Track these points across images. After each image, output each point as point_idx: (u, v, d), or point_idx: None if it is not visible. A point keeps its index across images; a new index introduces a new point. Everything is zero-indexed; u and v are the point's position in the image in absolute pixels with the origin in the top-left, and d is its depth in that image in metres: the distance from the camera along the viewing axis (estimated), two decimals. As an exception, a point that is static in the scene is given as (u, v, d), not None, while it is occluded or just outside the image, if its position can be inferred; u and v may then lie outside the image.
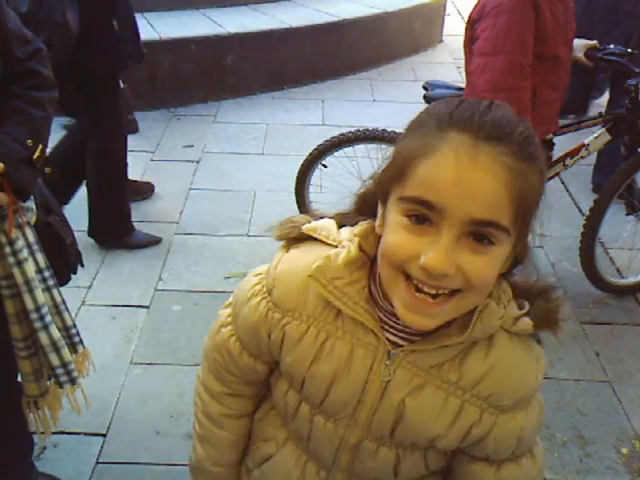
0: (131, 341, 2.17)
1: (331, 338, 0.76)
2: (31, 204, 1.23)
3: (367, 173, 0.77)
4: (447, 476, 0.89)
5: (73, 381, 1.34)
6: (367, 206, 0.77)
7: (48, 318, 1.25)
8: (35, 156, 1.17)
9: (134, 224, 2.78)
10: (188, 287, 2.45)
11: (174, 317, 2.29)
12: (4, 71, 1.15)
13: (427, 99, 2.37)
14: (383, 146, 2.50)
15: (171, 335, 2.21)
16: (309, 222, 0.80)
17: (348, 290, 0.73)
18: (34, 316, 1.22)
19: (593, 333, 2.30)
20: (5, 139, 1.13)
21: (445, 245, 0.61)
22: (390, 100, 4.11)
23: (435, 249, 0.61)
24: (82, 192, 3.06)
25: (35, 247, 1.22)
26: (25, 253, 1.19)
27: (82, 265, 1.46)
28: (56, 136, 2.41)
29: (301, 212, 2.66)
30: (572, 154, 2.31)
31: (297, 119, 3.79)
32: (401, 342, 0.74)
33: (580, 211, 3.01)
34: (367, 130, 2.46)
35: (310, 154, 2.57)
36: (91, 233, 2.61)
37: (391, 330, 0.74)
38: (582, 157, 2.35)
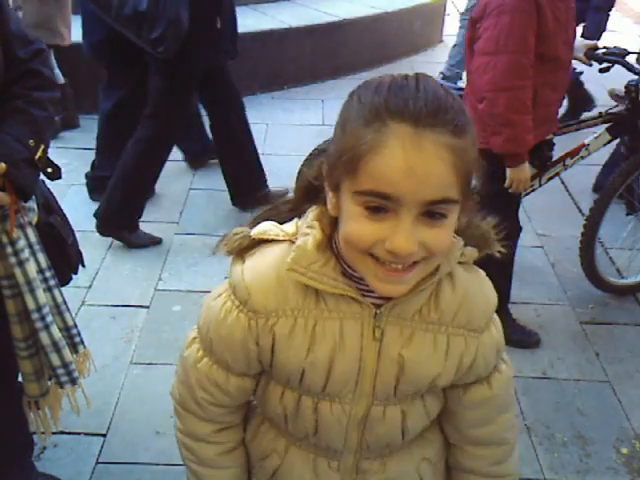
0: (131, 341, 2.17)
1: (320, 322, 0.79)
2: (32, 204, 1.23)
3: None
4: (447, 422, 0.94)
5: (74, 381, 1.34)
6: (310, 195, 0.81)
7: (49, 318, 1.25)
8: (37, 156, 1.17)
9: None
10: (188, 287, 2.45)
11: (174, 317, 2.29)
12: (6, 71, 1.16)
13: None
14: None
15: (171, 335, 2.21)
16: (249, 229, 0.83)
17: (325, 270, 0.77)
18: (35, 316, 1.22)
19: (593, 333, 2.31)
20: (7, 139, 1.13)
21: (406, 228, 0.66)
22: (390, 100, 4.12)
23: (398, 233, 0.66)
24: (77, 191, 3.06)
25: (36, 247, 1.22)
26: (26, 253, 1.19)
27: (83, 265, 1.46)
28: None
29: None
30: (572, 154, 2.32)
31: (297, 119, 3.79)
32: (381, 302, 0.79)
33: (580, 211, 3.01)
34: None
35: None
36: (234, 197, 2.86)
37: (369, 295, 0.78)
38: (582, 157, 2.35)
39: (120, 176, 2.58)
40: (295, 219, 0.82)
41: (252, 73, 4.06)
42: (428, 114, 0.64)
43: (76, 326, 1.36)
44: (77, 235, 1.44)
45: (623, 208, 2.47)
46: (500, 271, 1.93)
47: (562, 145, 2.30)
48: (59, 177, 1.25)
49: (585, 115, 2.89)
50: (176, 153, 3.46)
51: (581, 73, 3.60)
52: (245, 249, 0.82)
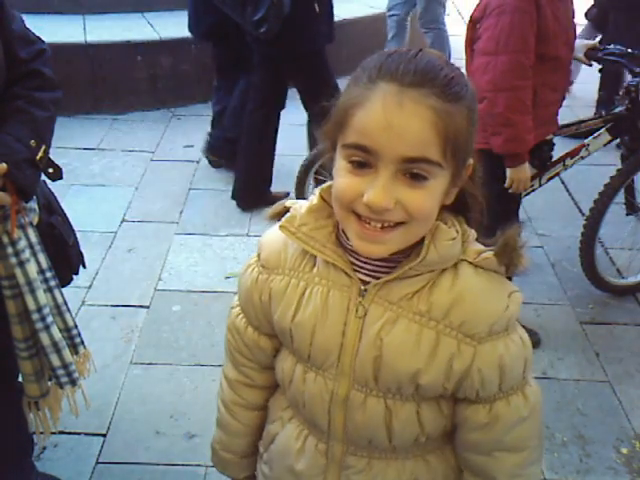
0: (131, 341, 2.17)
1: (310, 286, 0.82)
2: (33, 205, 1.22)
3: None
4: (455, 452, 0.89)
5: (74, 382, 1.33)
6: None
7: (49, 319, 1.24)
8: (38, 157, 1.17)
9: (134, 224, 2.79)
10: (188, 287, 2.45)
11: (174, 317, 2.29)
12: (7, 72, 1.15)
13: None
14: None
15: (171, 335, 2.21)
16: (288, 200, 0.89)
17: (315, 234, 0.80)
18: (35, 317, 1.22)
19: (593, 333, 2.31)
20: (8, 139, 1.13)
21: (382, 183, 0.68)
22: (390, 100, 4.12)
23: (374, 187, 0.68)
24: (77, 191, 3.07)
25: (37, 248, 1.22)
26: (27, 254, 1.19)
27: (84, 266, 1.46)
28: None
29: None
30: (572, 154, 2.32)
31: (297, 119, 3.79)
32: (369, 280, 0.80)
33: (580, 211, 3.01)
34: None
35: (309, 155, 2.57)
36: None
37: (362, 271, 0.80)
38: (582, 157, 2.35)
39: (245, 159, 2.83)
40: None
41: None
42: (415, 75, 0.67)
43: (76, 327, 1.36)
44: (77, 235, 1.44)
45: (623, 208, 2.47)
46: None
47: (562, 145, 2.30)
48: (60, 177, 1.25)
49: (585, 115, 2.89)
50: (176, 152, 3.47)
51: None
52: (279, 215, 0.87)
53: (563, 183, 3.21)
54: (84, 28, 3.89)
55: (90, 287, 2.41)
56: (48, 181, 1.29)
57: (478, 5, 1.90)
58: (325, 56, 2.80)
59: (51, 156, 1.23)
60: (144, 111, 3.87)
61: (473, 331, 0.77)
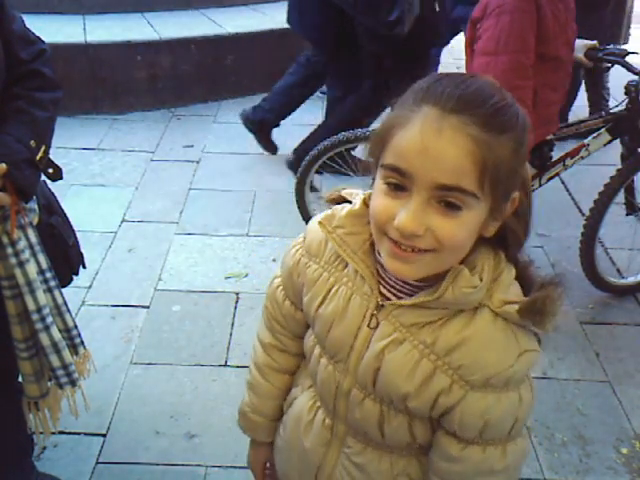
0: (131, 341, 2.17)
1: (337, 284, 0.85)
2: (33, 205, 1.22)
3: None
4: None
5: (73, 382, 1.33)
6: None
7: (49, 319, 1.24)
8: (38, 157, 1.16)
9: (133, 224, 2.78)
10: (188, 287, 2.45)
11: (174, 317, 2.29)
12: (7, 72, 1.15)
13: None
14: None
15: (171, 335, 2.21)
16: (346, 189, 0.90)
17: (348, 239, 0.82)
18: (35, 317, 1.22)
19: (593, 333, 2.31)
20: (8, 140, 1.13)
21: (414, 207, 0.68)
22: (390, 100, 4.12)
23: (405, 211, 0.68)
24: (77, 191, 3.07)
25: (37, 248, 1.22)
26: (27, 254, 1.19)
27: (84, 266, 1.46)
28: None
29: (301, 213, 2.66)
30: (572, 154, 2.32)
31: (297, 119, 3.79)
32: (392, 298, 0.81)
33: (580, 211, 3.00)
34: (367, 131, 2.46)
35: (308, 156, 2.57)
36: None
37: (386, 285, 0.81)
38: (582, 157, 2.35)
39: (326, 129, 2.89)
40: None
41: (252, 73, 4.06)
42: (459, 101, 0.66)
43: (76, 327, 1.35)
44: (77, 235, 1.44)
45: (623, 208, 2.47)
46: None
47: (562, 145, 2.30)
48: (60, 178, 1.24)
49: (585, 115, 2.90)
50: (176, 152, 3.47)
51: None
52: (333, 202, 0.90)
53: (563, 183, 3.21)
54: (84, 28, 3.89)
55: (90, 287, 2.41)
56: (48, 181, 1.29)
57: (478, 5, 1.90)
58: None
59: (51, 156, 1.23)
60: (144, 111, 3.87)
61: (469, 377, 0.77)
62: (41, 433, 1.41)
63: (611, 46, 2.22)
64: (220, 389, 2.00)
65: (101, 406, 1.88)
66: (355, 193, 0.87)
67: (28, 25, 1.23)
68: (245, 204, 3.00)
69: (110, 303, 2.34)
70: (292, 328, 1.00)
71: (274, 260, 2.60)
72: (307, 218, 2.66)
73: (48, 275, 1.25)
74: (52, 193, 1.37)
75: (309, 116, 3.85)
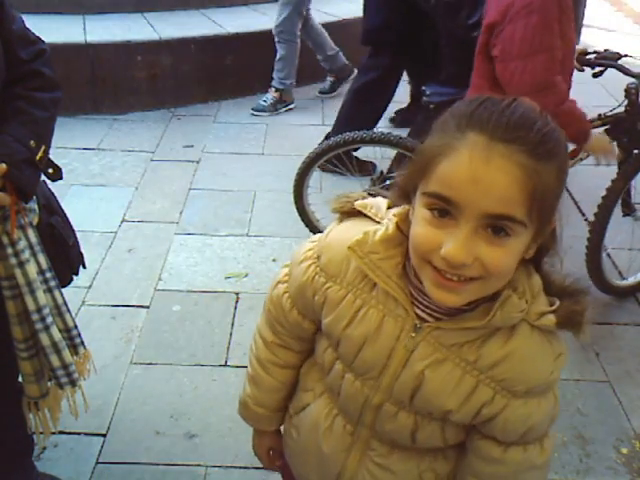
0: (131, 341, 2.17)
1: (365, 306, 0.83)
2: (33, 205, 1.22)
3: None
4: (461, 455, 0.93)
5: (73, 382, 1.33)
6: (406, 195, 0.82)
7: (49, 319, 1.24)
8: (38, 157, 1.16)
9: (133, 224, 2.78)
10: (188, 287, 2.45)
11: (174, 317, 2.29)
12: (7, 72, 1.15)
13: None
14: (379, 148, 2.49)
15: (171, 335, 2.21)
16: (363, 199, 0.88)
17: (382, 264, 0.79)
18: (35, 317, 1.22)
19: (593, 333, 2.30)
20: (8, 140, 1.13)
21: (463, 237, 0.66)
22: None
23: (454, 241, 0.67)
24: (77, 191, 3.07)
25: (37, 248, 1.22)
26: (27, 254, 1.19)
27: (84, 266, 1.46)
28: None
29: (300, 214, 2.65)
30: (572, 155, 2.31)
31: (297, 119, 3.79)
32: (428, 318, 0.80)
33: (580, 211, 3.00)
34: (364, 133, 2.45)
35: (307, 157, 2.57)
36: None
37: (420, 306, 0.80)
38: (581, 159, 2.35)
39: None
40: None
41: (252, 73, 4.06)
42: (507, 129, 0.65)
43: (76, 327, 1.35)
44: (77, 235, 1.44)
45: (620, 209, 2.47)
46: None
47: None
48: (60, 178, 1.24)
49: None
50: (176, 152, 3.46)
51: None
52: (347, 213, 0.87)
53: (563, 183, 3.21)
54: (84, 28, 3.89)
55: (90, 287, 2.41)
56: (48, 181, 1.29)
57: (494, 10, 1.88)
58: None
59: (51, 156, 1.23)
60: (144, 111, 3.87)
61: (513, 388, 0.79)
62: (41, 433, 1.41)
63: (602, 49, 2.22)
64: (220, 389, 2.00)
65: (101, 406, 1.88)
66: (370, 205, 0.85)
67: (28, 25, 1.23)
68: (245, 204, 3.00)
69: (110, 303, 2.34)
70: (297, 332, 0.98)
71: (274, 260, 2.60)
72: (305, 218, 2.65)
73: (48, 275, 1.25)
74: (52, 193, 1.37)
75: (308, 116, 3.85)
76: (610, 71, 2.22)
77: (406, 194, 0.79)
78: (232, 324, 2.27)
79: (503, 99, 0.69)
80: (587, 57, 2.19)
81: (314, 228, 2.62)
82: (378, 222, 0.82)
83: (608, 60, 2.17)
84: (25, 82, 1.19)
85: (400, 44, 3.02)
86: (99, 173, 3.23)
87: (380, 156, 2.78)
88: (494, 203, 0.65)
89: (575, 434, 1.90)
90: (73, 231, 1.41)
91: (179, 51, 3.89)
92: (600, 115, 2.31)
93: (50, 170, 1.22)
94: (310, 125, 3.71)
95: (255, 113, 3.84)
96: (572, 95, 1.99)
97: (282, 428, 1.11)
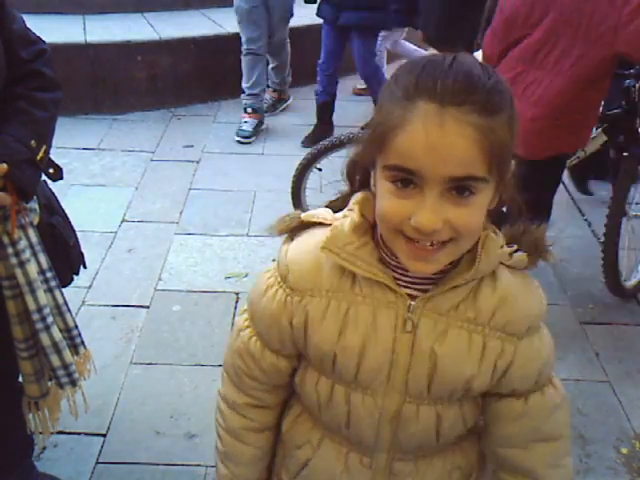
0: (131, 341, 2.17)
1: (353, 306, 0.80)
2: (34, 205, 1.22)
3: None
4: (482, 436, 0.92)
5: (74, 382, 1.33)
6: (358, 175, 0.82)
7: (50, 319, 1.24)
8: (38, 157, 1.17)
9: (134, 224, 2.78)
10: (188, 287, 2.45)
11: (174, 317, 2.29)
12: (8, 72, 1.15)
13: None
14: None
15: (171, 335, 2.21)
16: (301, 212, 0.86)
17: (360, 253, 0.77)
18: (36, 317, 1.22)
19: (593, 333, 2.31)
20: (8, 140, 1.13)
21: (430, 204, 0.67)
22: (390, 100, 4.11)
23: (422, 210, 0.67)
24: (77, 191, 3.07)
25: (37, 248, 1.22)
26: (27, 254, 1.19)
27: (85, 266, 1.46)
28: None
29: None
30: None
31: (297, 119, 3.79)
32: (417, 294, 0.79)
33: (580, 211, 3.00)
34: (360, 133, 2.45)
35: (304, 158, 2.57)
36: None
37: (406, 285, 0.79)
38: (579, 158, 2.35)
39: None
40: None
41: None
42: (454, 92, 0.65)
43: (77, 327, 1.36)
44: (77, 235, 1.44)
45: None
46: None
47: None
48: (61, 178, 1.25)
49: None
50: (176, 152, 3.46)
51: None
52: (295, 230, 0.85)
53: (563, 183, 3.21)
54: (84, 28, 3.89)
55: (90, 287, 2.41)
56: (48, 181, 1.29)
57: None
58: None
59: (51, 156, 1.23)
60: (144, 111, 3.87)
61: (515, 329, 0.80)
62: (41, 433, 1.41)
63: None
64: (220, 389, 2.00)
65: (101, 406, 1.88)
66: (316, 213, 0.84)
67: (28, 25, 1.23)
68: (245, 204, 3.00)
69: (110, 303, 2.34)
70: (273, 380, 0.91)
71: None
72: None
73: (48, 275, 1.25)
74: (52, 193, 1.37)
75: (308, 116, 3.85)
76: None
77: (362, 172, 0.79)
78: (232, 324, 2.26)
79: (443, 59, 0.69)
80: None
81: None
82: (331, 224, 0.80)
83: None
84: (26, 82, 1.19)
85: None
86: (99, 173, 3.24)
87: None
88: (455, 167, 0.65)
89: (575, 434, 1.90)
90: (73, 231, 1.41)
91: (179, 51, 3.89)
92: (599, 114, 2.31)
93: (51, 170, 1.22)
94: (310, 125, 3.71)
95: (242, 140, 3.57)
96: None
97: None
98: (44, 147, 1.18)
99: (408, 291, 0.79)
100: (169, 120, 3.84)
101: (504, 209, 0.82)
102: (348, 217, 0.79)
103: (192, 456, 1.77)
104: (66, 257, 1.36)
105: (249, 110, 3.64)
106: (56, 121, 1.25)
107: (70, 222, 1.40)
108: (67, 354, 1.30)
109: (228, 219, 2.89)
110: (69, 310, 1.33)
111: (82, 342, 1.39)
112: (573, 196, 2.73)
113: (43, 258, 1.23)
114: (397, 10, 3.49)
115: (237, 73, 3.71)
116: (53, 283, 1.26)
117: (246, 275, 2.51)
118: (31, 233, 1.20)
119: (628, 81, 2.17)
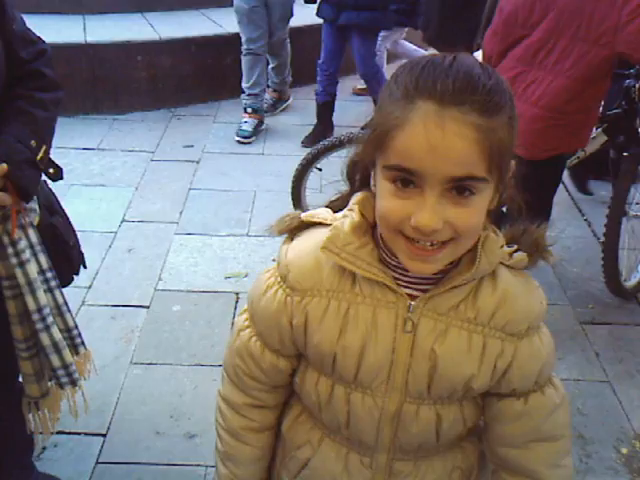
0: (131, 341, 2.17)
1: (353, 306, 0.80)
2: (34, 205, 1.22)
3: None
4: (482, 437, 0.92)
5: (74, 382, 1.33)
6: (358, 175, 0.82)
7: (50, 319, 1.24)
8: (39, 157, 1.16)
9: (133, 224, 2.78)
10: (188, 287, 2.45)
11: (174, 317, 2.29)
12: (8, 72, 1.15)
13: None
14: None
15: (171, 335, 2.21)
16: (301, 213, 0.86)
17: (360, 253, 0.77)
18: (36, 317, 1.22)
19: (593, 333, 2.31)
20: (9, 140, 1.13)
21: (430, 204, 0.67)
22: (390, 100, 4.11)
23: (422, 209, 0.67)
24: (77, 191, 3.06)
25: (38, 248, 1.22)
26: (28, 254, 1.19)
27: (85, 266, 1.46)
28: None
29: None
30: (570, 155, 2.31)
31: (297, 119, 3.79)
32: (417, 294, 0.79)
33: (580, 211, 3.01)
34: (360, 133, 2.44)
35: (304, 158, 2.57)
36: None
37: (406, 285, 0.79)
38: (578, 158, 2.35)
39: None
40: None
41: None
42: (454, 92, 0.65)
43: (77, 327, 1.35)
44: (78, 235, 1.44)
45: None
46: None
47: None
48: (61, 178, 1.24)
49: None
50: (176, 152, 3.46)
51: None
52: (295, 230, 0.85)
53: (563, 183, 3.21)
54: (84, 28, 3.89)
55: (90, 287, 2.41)
56: (49, 181, 1.29)
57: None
58: None
59: (51, 156, 1.23)
60: (144, 111, 3.88)
61: (515, 329, 0.80)
62: (41, 433, 1.41)
63: None
64: (220, 389, 2.00)
65: (101, 406, 1.89)
66: (316, 213, 0.84)
67: (28, 25, 1.23)
68: (245, 204, 3.00)
69: (110, 303, 2.34)
70: (273, 380, 0.91)
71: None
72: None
73: (49, 275, 1.25)
74: (52, 193, 1.37)
75: (309, 116, 3.85)
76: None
77: (361, 172, 0.80)
78: (232, 324, 2.27)
79: (443, 58, 0.69)
80: None
81: None
82: (331, 224, 0.80)
83: None
84: (26, 82, 1.19)
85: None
86: (99, 173, 3.24)
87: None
88: (455, 167, 0.65)
89: (575, 434, 1.90)
90: (74, 231, 1.41)
91: (179, 51, 3.89)
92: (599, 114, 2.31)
93: (51, 170, 1.22)
94: (309, 125, 3.71)
95: (243, 140, 3.57)
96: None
97: None
98: (44, 147, 1.18)
99: (408, 291, 0.79)
100: (169, 120, 3.84)
101: (504, 209, 0.82)
102: (348, 217, 0.79)
103: (192, 456, 1.78)
104: (66, 257, 1.36)
105: (249, 110, 3.64)
106: (56, 121, 1.25)
107: (70, 222, 1.40)
108: (67, 354, 1.30)
109: (228, 219, 2.89)
110: (69, 310, 1.32)
111: (82, 342, 1.39)
112: (573, 196, 2.73)
113: (43, 258, 1.23)
114: (397, 10, 3.49)
115: (237, 73, 3.71)
116: (53, 283, 1.26)
117: (246, 275, 2.51)
118: (31, 233, 1.20)
119: (628, 81, 2.17)
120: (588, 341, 2.27)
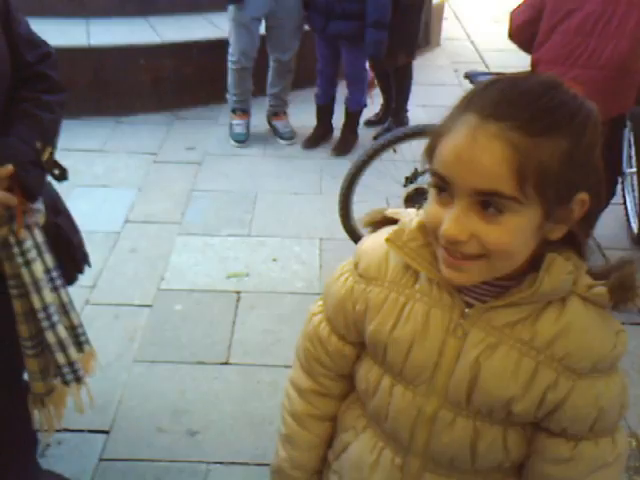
0: (134, 340, 2.20)
1: (410, 301, 0.81)
2: (40, 205, 1.23)
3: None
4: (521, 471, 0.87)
5: (79, 379, 1.34)
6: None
7: (55, 317, 1.26)
8: (44, 158, 1.18)
9: (136, 224, 2.80)
10: (190, 287, 2.47)
11: (176, 316, 2.32)
12: (14, 74, 1.17)
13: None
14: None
15: (173, 334, 2.23)
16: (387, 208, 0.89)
17: (422, 251, 0.79)
18: (41, 315, 1.23)
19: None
20: (14, 141, 1.15)
21: (456, 214, 0.68)
22: (390, 102, 4.13)
23: (449, 219, 0.68)
24: (80, 192, 3.09)
25: (43, 247, 1.23)
26: (33, 253, 1.20)
27: (89, 265, 1.48)
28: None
29: (343, 223, 2.56)
30: None
31: (297, 120, 3.81)
32: (475, 302, 0.78)
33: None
34: (417, 127, 2.44)
35: (355, 163, 2.48)
36: None
37: (465, 292, 0.79)
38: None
39: None
40: None
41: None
42: (497, 107, 0.65)
43: (82, 325, 1.37)
44: (82, 235, 1.46)
45: (621, 208, 2.48)
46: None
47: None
48: (66, 178, 1.26)
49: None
50: (178, 154, 3.49)
51: None
52: (378, 224, 0.88)
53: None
54: (87, 32, 3.92)
55: (94, 287, 2.44)
56: (53, 182, 1.31)
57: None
58: None
59: (56, 158, 1.25)
60: (147, 114, 3.90)
61: (576, 365, 0.75)
62: (45, 430, 1.43)
63: None
64: (221, 387, 2.02)
65: (104, 404, 1.91)
66: (401, 211, 0.86)
67: (33, 28, 1.25)
68: (246, 205, 3.02)
69: (113, 302, 2.37)
70: (338, 366, 0.94)
71: (274, 260, 2.63)
72: (349, 229, 2.57)
73: (54, 274, 1.26)
74: (57, 194, 1.39)
75: (309, 117, 3.87)
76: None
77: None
78: (233, 323, 2.29)
79: (517, 76, 0.69)
80: None
81: (358, 238, 2.49)
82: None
83: None
84: (31, 84, 1.21)
85: None
86: (103, 174, 3.26)
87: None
88: (479, 179, 0.65)
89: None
90: (78, 231, 1.43)
91: (182, 54, 3.92)
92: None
93: (56, 171, 1.23)
94: (311, 127, 3.73)
95: (239, 145, 3.59)
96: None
97: None
98: (49, 148, 1.19)
99: (467, 298, 0.78)
100: (172, 122, 3.87)
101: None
102: (419, 216, 0.80)
103: (194, 453, 1.80)
104: (71, 256, 1.37)
105: (238, 112, 3.63)
106: (61, 123, 1.26)
107: (74, 222, 1.42)
108: (72, 352, 1.31)
109: (229, 220, 2.91)
110: (74, 308, 1.34)
111: (87, 340, 1.40)
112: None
113: (49, 257, 1.25)
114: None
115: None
116: (58, 282, 1.27)
117: (247, 275, 2.54)
118: (37, 233, 1.21)
119: None
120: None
